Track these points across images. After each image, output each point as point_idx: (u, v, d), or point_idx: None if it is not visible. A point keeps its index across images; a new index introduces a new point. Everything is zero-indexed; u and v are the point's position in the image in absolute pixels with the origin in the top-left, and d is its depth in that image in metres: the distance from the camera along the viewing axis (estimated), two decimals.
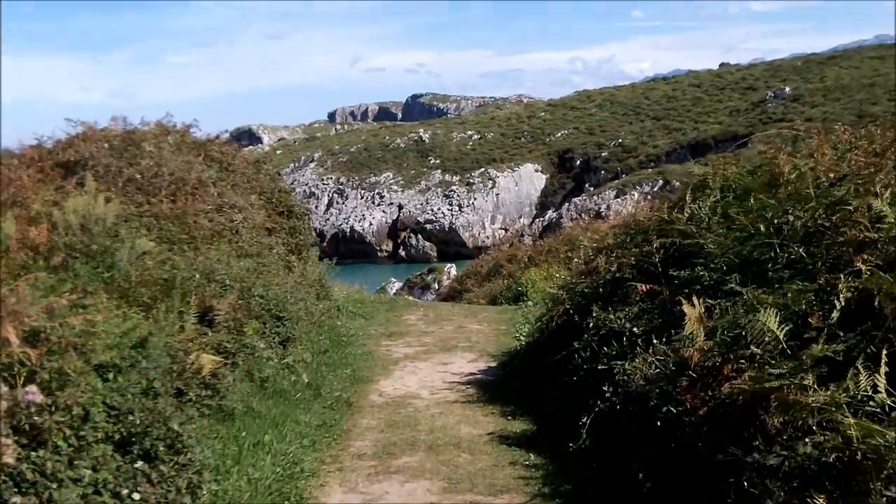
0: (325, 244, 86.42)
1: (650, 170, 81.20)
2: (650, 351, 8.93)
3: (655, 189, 71.70)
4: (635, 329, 9.97)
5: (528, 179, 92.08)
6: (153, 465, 7.10)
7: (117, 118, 18.82)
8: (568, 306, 12.30)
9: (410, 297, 34.69)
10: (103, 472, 6.37)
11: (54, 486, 5.86)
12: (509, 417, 11.61)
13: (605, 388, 9.26)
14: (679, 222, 10.82)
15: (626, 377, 9.05)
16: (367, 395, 13.10)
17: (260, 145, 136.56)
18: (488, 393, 12.95)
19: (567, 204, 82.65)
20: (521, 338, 16.20)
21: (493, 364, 15.06)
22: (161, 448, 7.19)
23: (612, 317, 10.39)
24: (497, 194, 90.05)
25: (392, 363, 15.34)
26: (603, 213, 61.81)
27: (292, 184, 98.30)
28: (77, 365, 6.75)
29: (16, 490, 5.70)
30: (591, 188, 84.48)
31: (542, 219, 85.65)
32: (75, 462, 6.26)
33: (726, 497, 6.30)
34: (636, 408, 8.61)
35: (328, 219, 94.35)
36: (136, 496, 6.55)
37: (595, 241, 14.59)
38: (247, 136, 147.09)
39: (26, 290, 7.26)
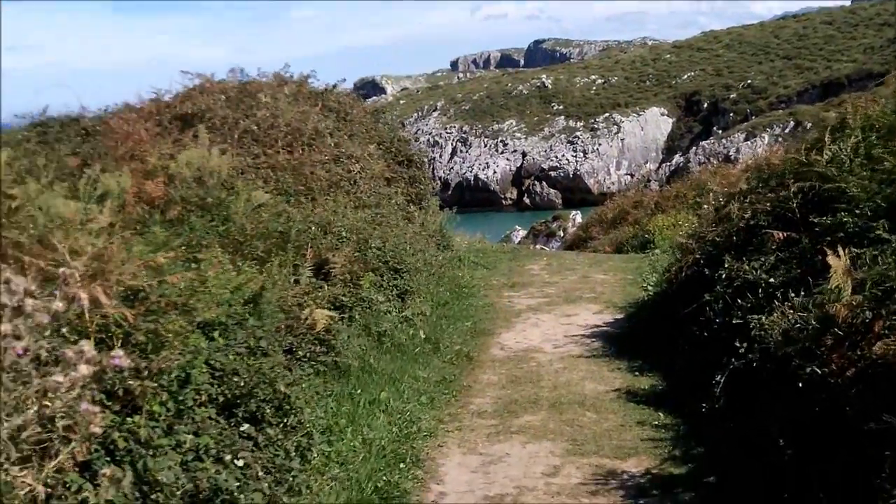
0: (449, 193, 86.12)
1: (781, 111, 78.21)
2: (789, 305, 8.26)
3: (786, 131, 69.30)
4: (772, 280, 9.30)
5: (654, 123, 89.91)
6: (259, 429, 6.80)
7: (235, 70, 18.63)
8: (698, 256, 11.63)
9: (537, 247, 34.12)
10: (204, 437, 6.05)
11: (150, 453, 5.55)
12: (636, 373, 11.09)
13: (739, 345, 8.63)
14: (818, 165, 10.04)
15: (762, 333, 8.40)
16: (488, 349, 12.69)
17: (383, 96, 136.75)
18: (614, 347, 12.43)
19: (694, 148, 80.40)
20: (649, 288, 15.55)
21: (619, 316, 14.49)
22: (268, 410, 6.88)
23: (747, 267, 9.71)
24: (622, 139, 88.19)
25: (514, 315, 14.89)
26: (732, 157, 59.99)
27: (416, 133, 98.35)
28: (178, 325, 6.43)
29: (108, 460, 5.41)
30: (720, 131, 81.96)
31: (668, 164, 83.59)
32: (175, 427, 5.96)
33: (879, 471, 5.66)
34: (775, 366, 7.98)
35: (452, 168, 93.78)
36: (240, 461, 6.23)
37: (726, 186, 13.80)
38: (370, 87, 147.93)
39: (119, 247, 6.99)
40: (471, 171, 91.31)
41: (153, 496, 5.47)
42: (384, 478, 7.73)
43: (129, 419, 5.68)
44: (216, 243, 10.29)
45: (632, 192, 39.89)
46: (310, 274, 11.18)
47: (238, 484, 6.11)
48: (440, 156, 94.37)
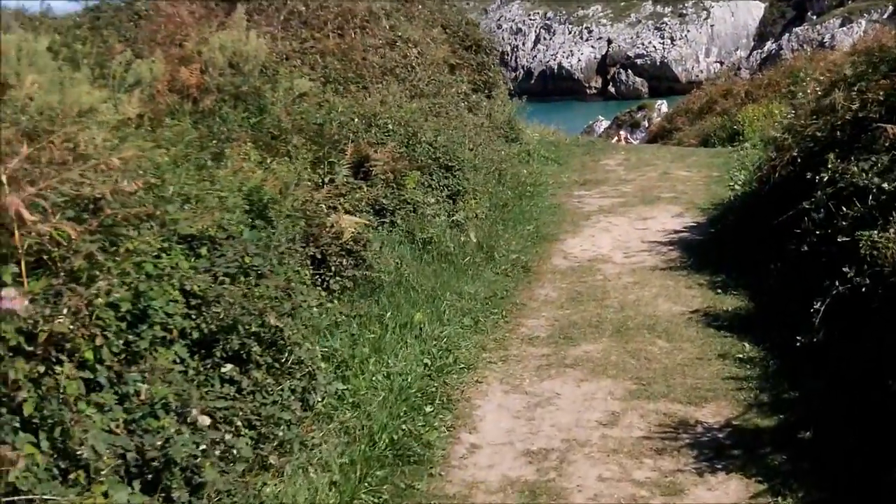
0: (532, 82, 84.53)
1: None
2: None
3: (885, 17, 65.85)
4: (885, 186, 7.67)
5: (745, 9, 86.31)
6: (245, 371, 5.49)
7: None
8: (795, 153, 9.94)
9: (612, 140, 32.29)
10: (157, 386, 4.71)
11: (71, 415, 4.23)
12: (719, 291, 9.52)
13: (845, 265, 7.07)
14: None
15: (874, 252, 6.85)
16: (550, 258, 11.23)
17: None
18: (694, 257, 10.84)
19: (787, 34, 76.97)
20: (736, 187, 13.91)
21: (702, 220, 12.84)
22: (255, 347, 5.54)
23: (854, 169, 8.05)
24: (712, 25, 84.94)
25: (583, 217, 13.35)
26: (827, 44, 57.16)
27: (498, 20, 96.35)
28: (137, 242, 5.06)
29: (17, 427, 4.11)
30: (814, 17, 78.41)
31: (760, 51, 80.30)
32: (124, 376, 4.65)
33: None
34: (889, 294, 6.46)
35: (535, 56, 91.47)
36: (206, 419, 4.90)
37: (827, 72, 11.98)
38: None
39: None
40: (554, 60, 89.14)
41: (73, 474, 4.19)
42: (404, 426, 6.37)
43: (53, 371, 4.38)
44: (246, 137, 9.05)
45: (721, 81, 37.70)
46: (346, 173, 9.84)
47: (203, 447, 4.80)
48: (523, 43, 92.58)
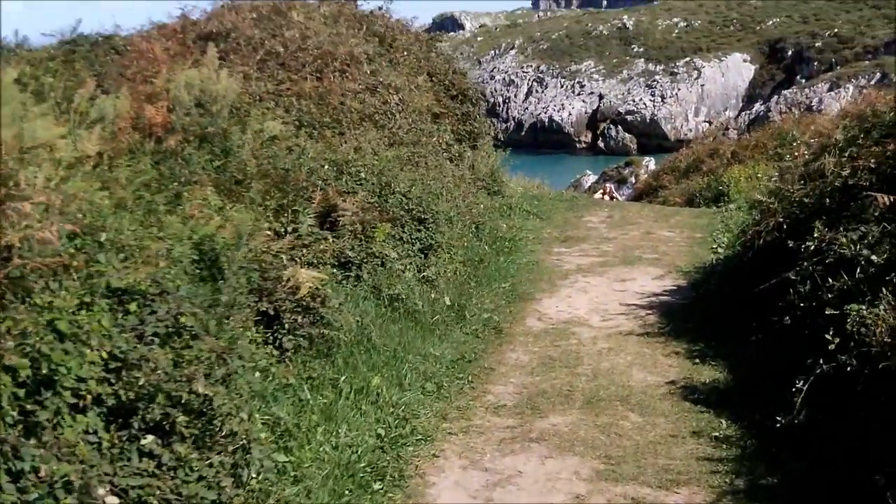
0: (522, 134, 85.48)
1: (867, 62, 75.33)
2: None
3: (872, 83, 66.40)
4: (874, 259, 7.25)
5: (736, 70, 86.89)
6: (167, 444, 4.97)
7: None
8: (780, 219, 9.52)
9: (596, 195, 31.97)
10: (53, 462, 4.19)
11: None
12: (697, 361, 9.04)
13: (830, 341, 6.62)
14: None
15: (863, 329, 6.41)
16: (524, 319, 10.74)
17: (461, 32, 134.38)
18: (673, 322, 10.38)
19: (776, 97, 77.69)
20: (719, 250, 13.48)
21: (683, 283, 12.40)
22: (180, 418, 5.02)
23: (843, 239, 7.63)
24: (702, 85, 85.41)
25: (561, 276, 12.88)
26: (815, 108, 57.51)
27: (492, 71, 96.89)
28: (47, 299, 4.58)
29: None
30: (803, 80, 79.21)
31: (748, 112, 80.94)
32: (20, 450, 4.14)
33: None
34: (878, 377, 6.01)
35: (527, 108, 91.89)
36: (115, 499, 4.38)
37: (817, 136, 11.60)
38: (449, 23, 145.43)
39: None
40: (545, 113, 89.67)
41: None
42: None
43: None
44: (208, 181, 8.61)
45: (708, 140, 37.52)
46: (312, 222, 9.39)
47: None
48: (515, 95, 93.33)
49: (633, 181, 39.86)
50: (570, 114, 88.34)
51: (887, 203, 7.83)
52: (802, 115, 32.42)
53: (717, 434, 7.17)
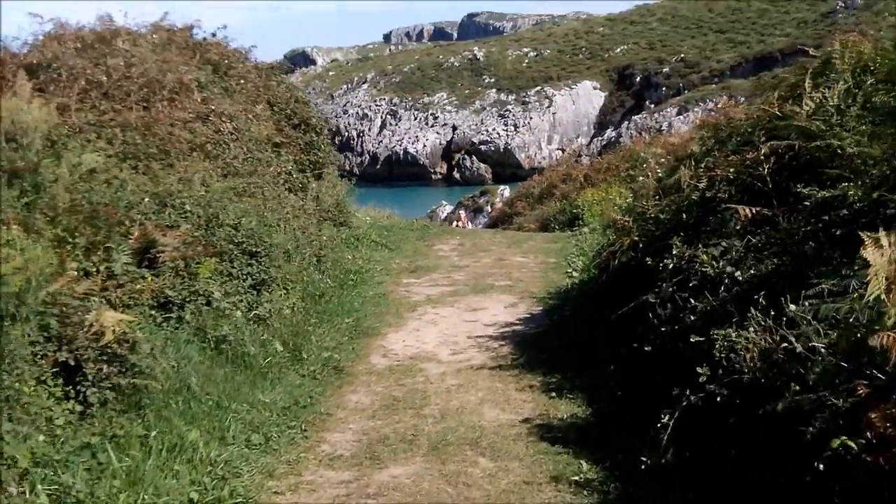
0: (378, 167, 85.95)
1: (714, 85, 77.62)
2: (771, 314, 5.60)
3: (719, 105, 67.99)
4: (738, 275, 6.66)
5: (587, 97, 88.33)
6: None
7: (104, 18, 15.57)
8: (636, 237, 8.91)
9: (454, 223, 31.45)
10: None
11: None
12: (553, 394, 8.28)
13: (696, 369, 5.96)
14: (797, 118, 7.44)
15: (732, 354, 5.76)
16: (368, 357, 9.88)
17: (313, 67, 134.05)
18: (527, 353, 9.64)
19: (627, 122, 79.42)
20: (574, 274, 12.98)
21: (537, 311, 11.71)
22: None
23: (704, 256, 7.03)
24: (554, 113, 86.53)
25: (409, 308, 12.07)
26: (665, 131, 58.58)
27: (345, 105, 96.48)
28: None
29: None
30: (652, 105, 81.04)
31: (600, 138, 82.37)
32: None
33: None
34: (752, 409, 5.35)
35: (381, 141, 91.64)
36: None
37: (671, 146, 11.10)
38: (301, 59, 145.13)
39: None
40: (400, 145, 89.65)
41: None
42: None
43: None
44: (15, 219, 7.59)
45: (562, 167, 37.54)
46: (128, 260, 8.40)
47: None
48: (369, 129, 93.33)
49: (489, 210, 39.68)
50: (424, 145, 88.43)
51: (749, 215, 7.28)
52: (654, 137, 32.51)
53: (577, 478, 6.39)
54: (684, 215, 8.14)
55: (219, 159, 12.73)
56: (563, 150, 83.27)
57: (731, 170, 7.83)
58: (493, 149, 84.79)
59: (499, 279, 13.74)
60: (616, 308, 8.18)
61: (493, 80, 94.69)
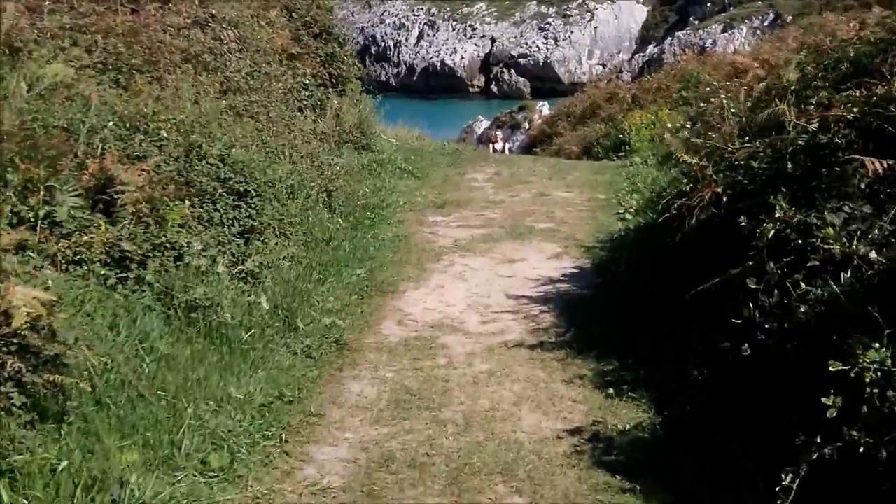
0: (414, 79, 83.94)
1: (760, 2, 73.86)
2: None
3: (765, 24, 66.97)
4: (873, 257, 4.80)
5: (629, 12, 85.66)
6: None
7: None
8: (718, 189, 6.94)
9: (492, 145, 29.44)
10: None
11: None
12: (610, 391, 6.40)
13: (824, 400, 4.12)
14: None
15: (891, 391, 3.92)
16: (379, 323, 8.06)
17: None
18: (576, 326, 7.76)
19: (669, 39, 76.67)
20: (627, 216, 11.07)
21: (586, 264, 9.80)
22: None
23: (830, 230, 5.12)
24: (595, 27, 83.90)
25: (433, 257, 10.17)
26: (709, 49, 56.41)
27: (382, 14, 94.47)
28: None
29: None
30: (696, 22, 78.31)
31: (642, 54, 79.81)
32: None
33: None
34: None
35: (418, 52, 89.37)
36: None
37: (756, 77, 9.04)
38: None
39: None
40: (437, 57, 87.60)
41: None
42: None
43: None
44: None
45: (604, 83, 35.35)
46: (78, 203, 6.69)
47: None
48: (406, 39, 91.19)
49: (527, 127, 37.71)
50: (462, 57, 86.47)
51: (879, 170, 5.39)
52: (707, 55, 30.21)
53: None
54: (788, 164, 6.20)
55: (218, 72, 11.00)
56: (603, 66, 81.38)
57: (855, 109, 5.89)
58: (532, 62, 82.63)
59: (540, 220, 11.77)
60: (692, 279, 6.32)
61: None
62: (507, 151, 29.21)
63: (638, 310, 7.66)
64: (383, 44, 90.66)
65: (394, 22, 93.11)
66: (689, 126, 10.49)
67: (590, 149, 22.59)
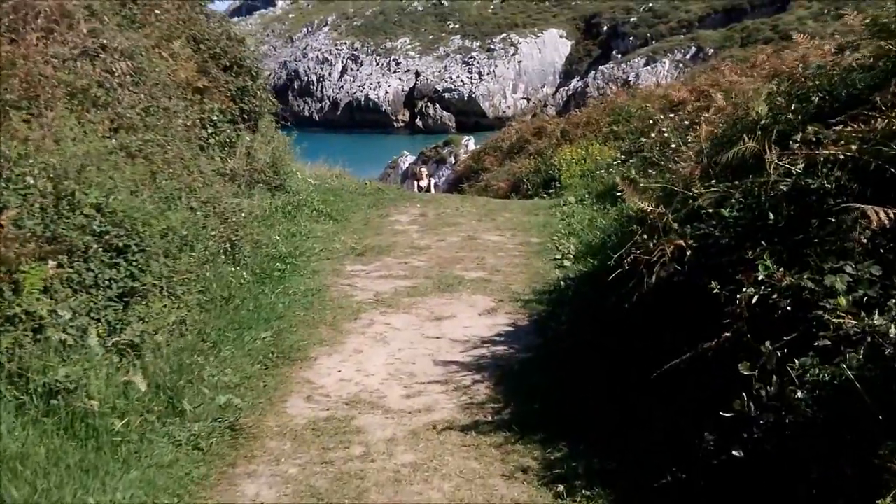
0: (338, 114, 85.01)
1: (682, 36, 75.69)
2: None
3: (688, 57, 68.47)
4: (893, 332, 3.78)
5: (553, 46, 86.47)
6: None
7: None
8: (681, 243, 5.85)
9: (418, 182, 28.44)
10: None
11: None
12: (560, 488, 5.24)
13: None
14: None
15: None
16: (284, 401, 6.81)
17: (272, 9, 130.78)
18: (515, 400, 6.60)
19: (593, 72, 77.59)
20: (566, 263, 10.06)
21: (523, 320, 8.68)
22: None
23: (842, 300, 4.06)
24: (519, 61, 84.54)
25: (350, 315, 8.97)
26: (632, 82, 56.75)
27: (305, 49, 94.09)
28: None
29: None
30: (619, 55, 79.38)
31: (566, 88, 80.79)
32: None
33: None
34: None
35: (342, 86, 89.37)
36: None
37: (723, 108, 8.02)
38: (261, 1, 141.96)
39: None
40: (361, 91, 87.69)
41: None
42: None
43: None
44: None
45: (529, 118, 34.79)
46: None
47: None
48: (329, 74, 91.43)
49: (453, 161, 37.05)
50: (386, 92, 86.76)
51: (885, 222, 4.39)
52: (635, 87, 29.69)
53: None
54: (770, 213, 5.15)
55: (108, 108, 9.80)
56: (528, 100, 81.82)
57: (853, 145, 4.86)
58: (456, 97, 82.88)
59: (470, 268, 10.64)
60: (651, 346, 5.27)
61: (457, 25, 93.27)
62: (432, 190, 28.15)
63: (586, 378, 6.58)
64: (306, 78, 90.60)
65: (317, 56, 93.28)
66: (622, 159, 9.56)
67: (519, 185, 21.92)
